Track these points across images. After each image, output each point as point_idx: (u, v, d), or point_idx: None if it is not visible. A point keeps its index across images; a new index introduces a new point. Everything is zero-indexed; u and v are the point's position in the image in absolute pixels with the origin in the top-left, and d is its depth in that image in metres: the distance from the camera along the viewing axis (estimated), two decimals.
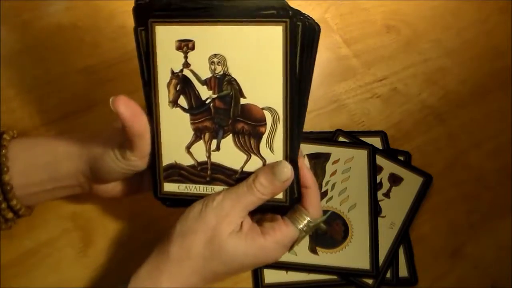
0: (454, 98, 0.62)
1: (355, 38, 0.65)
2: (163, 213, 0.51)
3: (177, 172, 0.40)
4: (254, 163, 0.40)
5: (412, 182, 0.54)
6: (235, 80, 0.38)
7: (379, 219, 0.52)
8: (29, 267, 0.47)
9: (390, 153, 0.56)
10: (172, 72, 0.38)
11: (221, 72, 0.38)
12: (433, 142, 0.58)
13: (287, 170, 0.38)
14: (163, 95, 0.39)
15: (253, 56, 0.38)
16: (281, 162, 0.39)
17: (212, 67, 0.38)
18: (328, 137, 0.57)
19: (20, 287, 0.46)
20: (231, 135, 0.39)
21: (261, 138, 0.39)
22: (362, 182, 0.54)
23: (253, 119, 0.39)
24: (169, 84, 0.39)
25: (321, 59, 0.63)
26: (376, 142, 0.57)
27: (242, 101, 0.39)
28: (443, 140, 0.59)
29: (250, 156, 0.40)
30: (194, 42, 0.38)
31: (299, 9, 0.38)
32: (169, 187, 0.41)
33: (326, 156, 0.55)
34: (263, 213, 0.41)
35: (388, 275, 0.49)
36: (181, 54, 0.38)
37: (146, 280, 0.37)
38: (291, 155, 0.39)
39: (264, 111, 0.38)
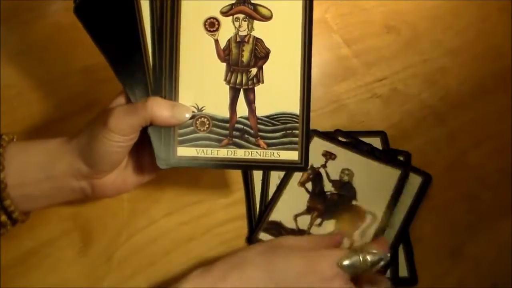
0: (454, 98, 0.62)
1: (355, 38, 0.65)
2: (163, 213, 0.51)
3: (277, 230, 0.51)
4: None
5: (412, 182, 0.54)
6: (354, 188, 0.53)
7: None
8: (29, 267, 0.47)
9: (390, 153, 0.56)
10: (312, 167, 0.54)
11: (346, 180, 0.53)
12: (433, 142, 0.58)
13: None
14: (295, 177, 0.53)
15: (372, 179, 0.53)
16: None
17: (342, 175, 0.53)
18: None
19: (20, 287, 0.46)
20: (334, 221, 0.51)
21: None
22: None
23: (355, 217, 0.52)
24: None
25: (321, 59, 0.63)
26: (376, 142, 0.57)
27: (353, 201, 0.52)
28: (443, 140, 0.59)
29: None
30: (336, 156, 0.54)
31: None
32: (263, 236, 0.50)
33: None
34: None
35: (388, 275, 0.49)
36: (324, 159, 0.54)
37: None
38: None
39: (366, 214, 0.51)
